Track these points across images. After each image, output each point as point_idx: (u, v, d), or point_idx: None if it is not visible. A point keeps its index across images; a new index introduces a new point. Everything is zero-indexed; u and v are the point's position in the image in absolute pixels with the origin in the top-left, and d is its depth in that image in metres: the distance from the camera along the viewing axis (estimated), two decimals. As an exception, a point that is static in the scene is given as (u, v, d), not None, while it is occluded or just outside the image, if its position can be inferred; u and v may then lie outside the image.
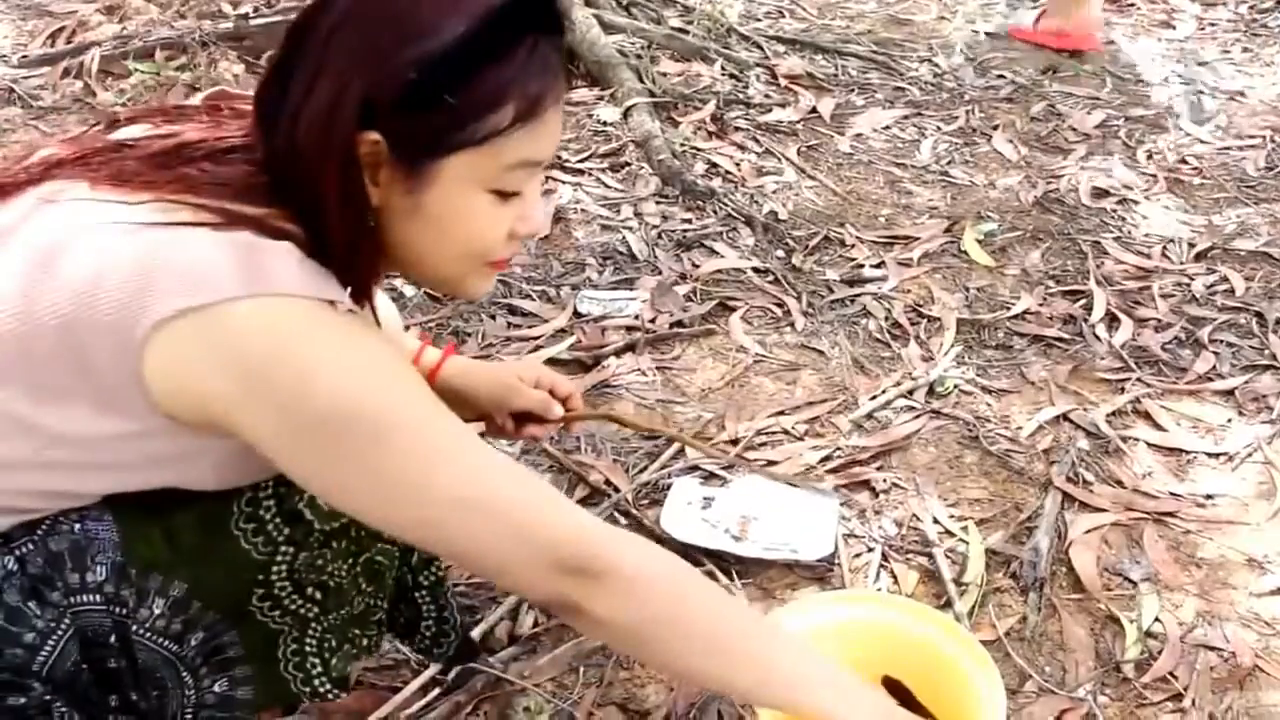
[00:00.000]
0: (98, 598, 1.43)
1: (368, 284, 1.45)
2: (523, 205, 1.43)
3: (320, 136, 1.32)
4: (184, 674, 1.52)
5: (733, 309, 3.17)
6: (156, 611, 1.46)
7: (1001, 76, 4.65)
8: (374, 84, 1.30)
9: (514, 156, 1.37)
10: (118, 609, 1.44)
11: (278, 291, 1.27)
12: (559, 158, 3.81)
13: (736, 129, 4.09)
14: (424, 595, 1.83)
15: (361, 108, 1.30)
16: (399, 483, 1.31)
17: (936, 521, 2.48)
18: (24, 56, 4.37)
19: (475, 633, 2.13)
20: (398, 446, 1.30)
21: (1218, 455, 2.71)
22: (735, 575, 2.32)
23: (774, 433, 2.72)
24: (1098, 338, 3.10)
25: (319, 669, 1.60)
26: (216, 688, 1.55)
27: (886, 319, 3.15)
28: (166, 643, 1.48)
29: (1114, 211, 3.74)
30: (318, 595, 1.55)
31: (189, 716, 1.57)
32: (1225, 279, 3.39)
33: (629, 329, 3.06)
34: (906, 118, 4.30)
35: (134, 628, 1.46)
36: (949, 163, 4.01)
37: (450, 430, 1.36)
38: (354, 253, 1.37)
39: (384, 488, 1.31)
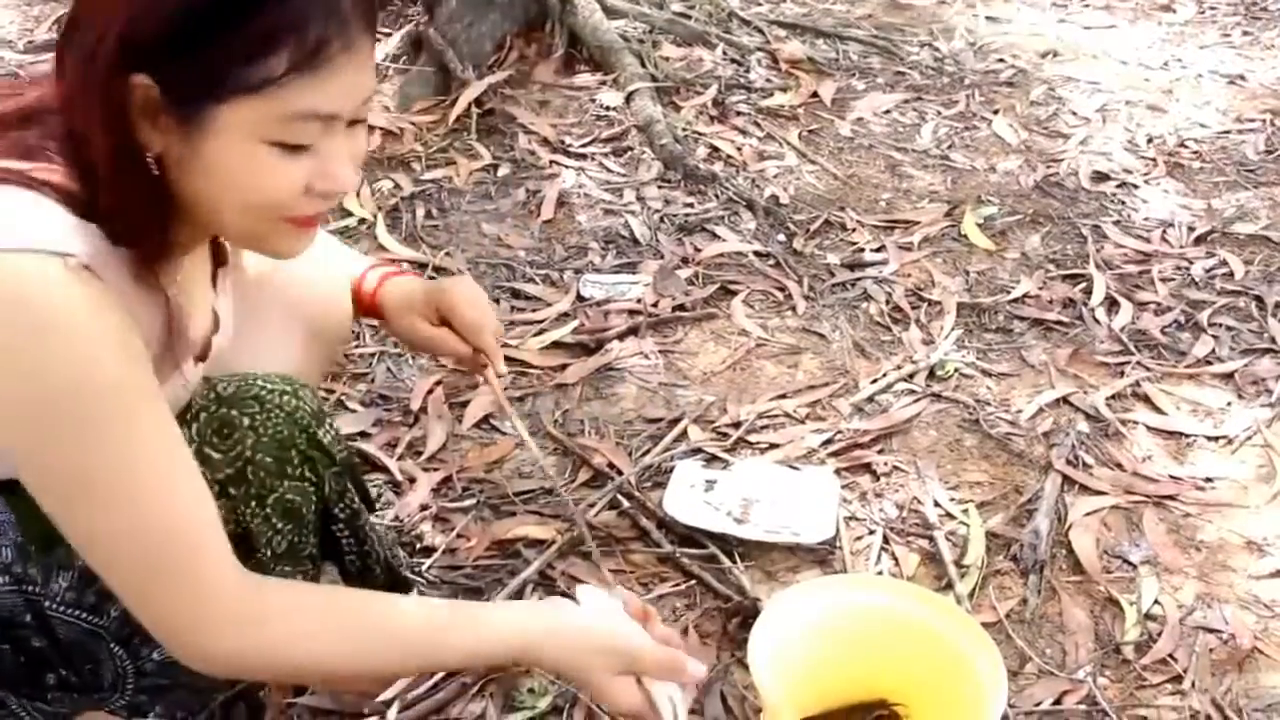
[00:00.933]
0: (6, 579, 1.45)
1: (151, 241, 1.36)
2: (321, 160, 1.34)
3: (85, 82, 1.27)
4: (112, 645, 1.53)
5: (734, 293, 3.18)
6: (65, 585, 1.47)
7: (1001, 60, 4.65)
8: (137, 25, 1.23)
9: (295, 107, 1.28)
10: (28, 587, 1.46)
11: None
12: (562, 142, 3.82)
13: (738, 113, 4.10)
14: (341, 529, 1.76)
15: (124, 50, 1.23)
16: (81, 479, 1.28)
17: (937, 504, 2.50)
18: (30, 42, 4.37)
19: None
20: (89, 442, 1.27)
21: (1217, 438, 2.73)
22: (738, 558, 2.34)
23: (775, 416, 2.74)
24: (1097, 321, 3.12)
25: None
26: (155, 655, 1.56)
27: (887, 303, 3.16)
28: (83, 615, 1.49)
29: (1114, 195, 3.75)
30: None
31: (130, 686, 1.58)
32: (1225, 263, 3.40)
33: (631, 313, 3.07)
34: (907, 102, 4.30)
35: (46, 604, 1.47)
36: (949, 147, 4.01)
37: (150, 428, 1.32)
38: (125, 205, 1.31)
39: (67, 479, 1.28)
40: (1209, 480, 2.60)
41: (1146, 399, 2.84)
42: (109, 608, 1.50)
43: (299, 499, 1.62)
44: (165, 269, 1.42)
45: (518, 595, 2.23)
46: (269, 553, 1.61)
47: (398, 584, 1.91)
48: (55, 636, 1.51)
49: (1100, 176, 3.85)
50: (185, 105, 1.26)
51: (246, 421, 1.55)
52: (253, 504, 1.56)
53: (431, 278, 3.11)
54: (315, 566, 1.71)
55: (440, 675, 2.05)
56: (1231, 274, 3.35)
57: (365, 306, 1.89)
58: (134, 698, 1.62)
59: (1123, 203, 3.71)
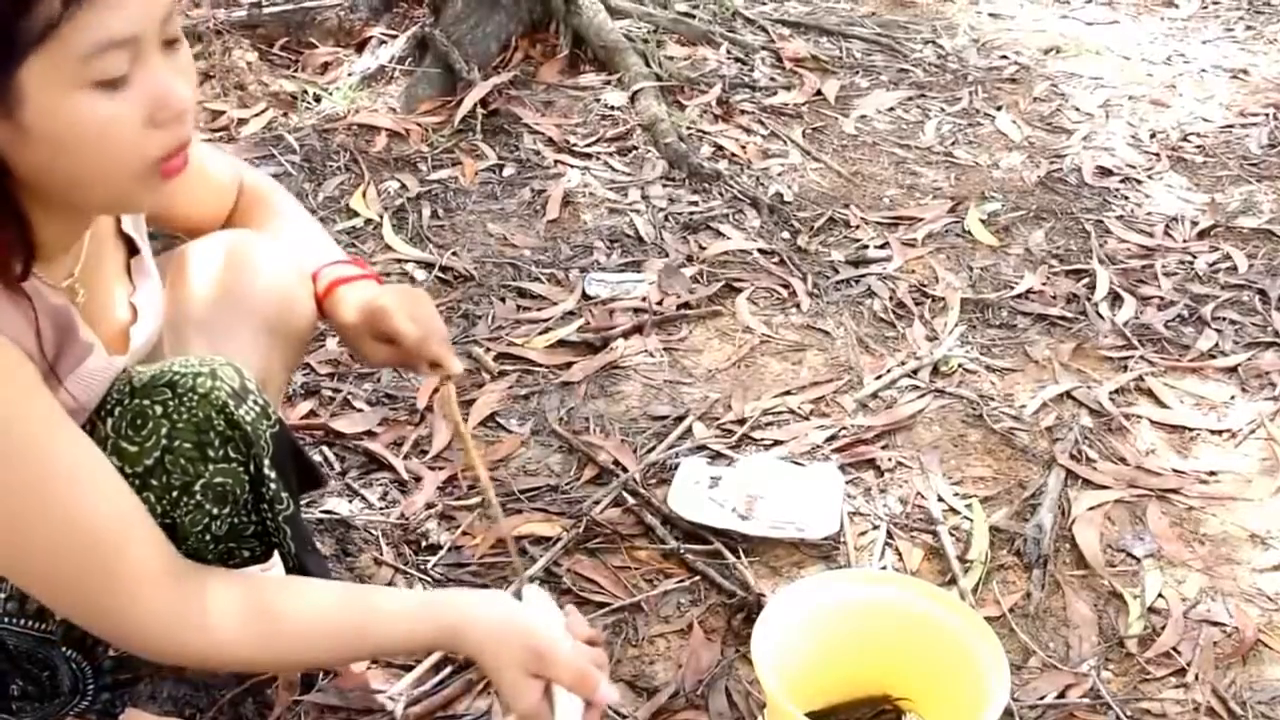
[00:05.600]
0: None
1: (7, 245, 1.32)
2: (147, 87, 1.28)
3: None
4: (64, 648, 1.53)
5: (739, 290, 3.19)
6: (4, 596, 1.48)
7: (1004, 57, 4.65)
8: None
9: (91, 41, 1.20)
10: None
11: None
12: (567, 141, 3.83)
13: (742, 112, 4.10)
14: (266, 509, 1.66)
15: None
16: None
17: (941, 499, 2.51)
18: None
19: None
20: None
21: (1220, 432, 2.73)
22: (742, 554, 2.35)
23: (780, 412, 2.74)
24: (1101, 316, 3.12)
25: None
26: (111, 651, 1.57)
27: (891, 299, 3.17)
28: (28, 623, 1.50)
29: (1117, 190, 3.75)
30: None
31: (90, 686, 1.59)
32: (1228, 256, 3.40)
33: (637, 311, 3.08)
34: (910, 99, 4.31)
35: None
36: (953, 143, 4.02)
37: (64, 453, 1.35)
38: None
39: None
40: (1212, 474, 2.61)
41: (1150, 393, 2.85)
42: (53, 613, 1.50)
43: (229, 481, 1.56)
44: (47, 270, 1.41)
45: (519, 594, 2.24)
46: (208, 537, 1.57)
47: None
48: (6, 648, 1.51)
49: (1103, 171, 3.85)
50: None
51: (160, 410, 1.51)
52: (175, 493, 1.52)
53: (440, 278, 3.14)
54: (263, 543, 1.66)
55: (448, 671, 2.07)
56: (1235, 268, 3.35)
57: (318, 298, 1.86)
58: (98, 698, 1.63)
59: (1126, 198, 3.71)
